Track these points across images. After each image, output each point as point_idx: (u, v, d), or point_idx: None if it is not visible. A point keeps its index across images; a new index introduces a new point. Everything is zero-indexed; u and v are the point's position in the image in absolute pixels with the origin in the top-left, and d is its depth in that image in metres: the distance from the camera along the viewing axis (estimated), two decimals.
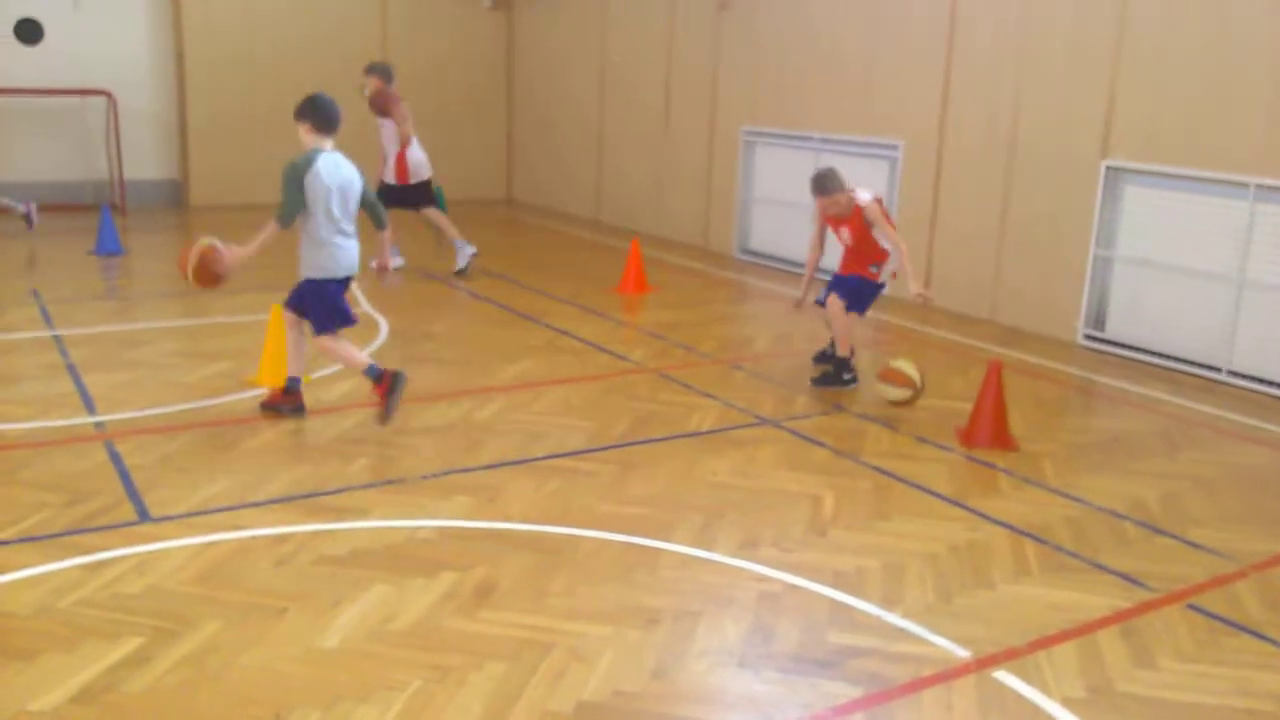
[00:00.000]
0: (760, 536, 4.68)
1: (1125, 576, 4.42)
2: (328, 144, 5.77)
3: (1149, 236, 7.90)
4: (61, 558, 4.20)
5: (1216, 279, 7.46)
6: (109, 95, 13.28)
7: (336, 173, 5.71)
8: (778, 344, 8.19)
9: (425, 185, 10.10)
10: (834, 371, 6.97)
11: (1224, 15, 7.29)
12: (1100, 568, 4.50)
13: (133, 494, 4.87)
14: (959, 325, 8.93)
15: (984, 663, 3.70)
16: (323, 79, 14.25)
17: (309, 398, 6.30)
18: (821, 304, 7.05)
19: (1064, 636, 3.90)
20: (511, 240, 12.93)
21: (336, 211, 5.70)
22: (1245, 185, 7.20)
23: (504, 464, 5.45)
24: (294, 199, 5.62)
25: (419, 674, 3.50)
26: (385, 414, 5.77)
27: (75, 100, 13.33)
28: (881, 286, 7.06)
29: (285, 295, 5.93)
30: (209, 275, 5.80)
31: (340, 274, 5.83)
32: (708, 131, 12.09)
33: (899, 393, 6.49)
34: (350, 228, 5.82)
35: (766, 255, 11.45)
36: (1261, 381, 7.23)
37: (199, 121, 13.69)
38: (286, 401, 6.01)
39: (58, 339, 7.42)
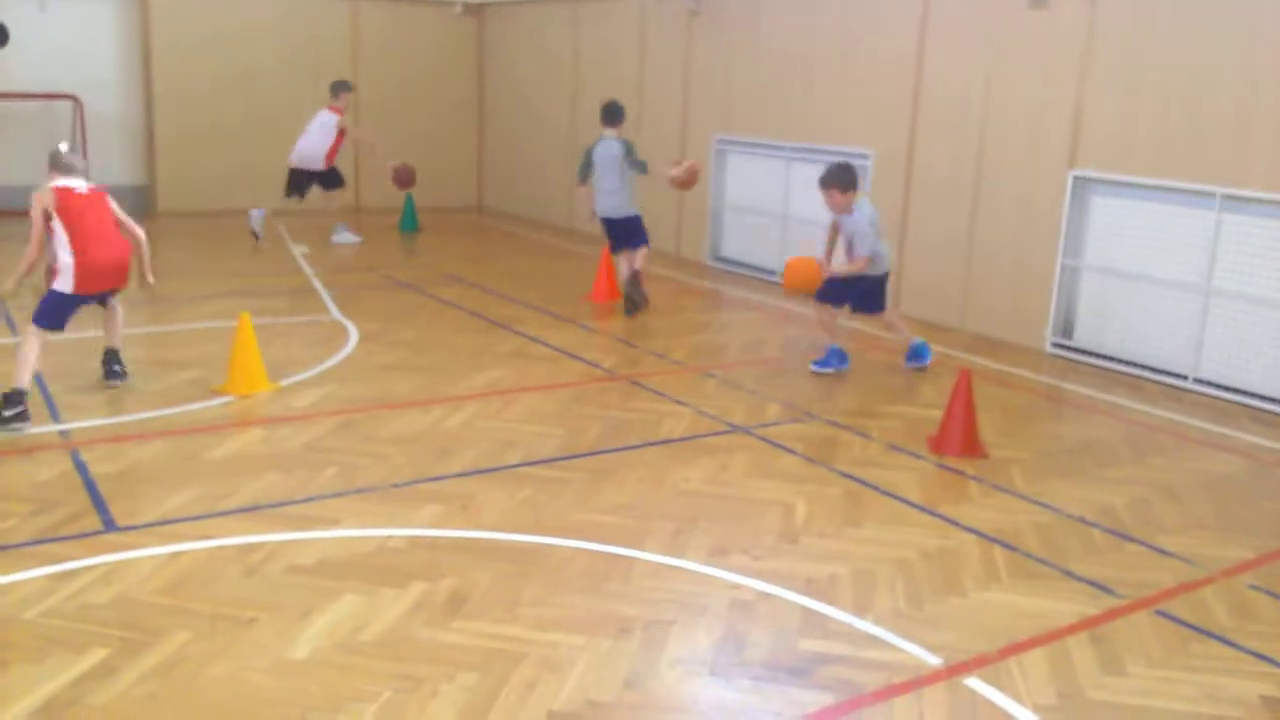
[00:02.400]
0: (732, 544, 4.69)
1: (1094, 583, 4.45)
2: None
3: (1116, 246, 7.98)
4: (27, 568, 4.14)
5: (1183, 288, 7.54)
6: (76, 99, 13.15)
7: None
8: (749, 351, 8.20)
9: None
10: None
11: (1191, 26, 7.38)
12: (1069, 574, 4.53)
13: (99, 503, 4.81)
14: (928, 333, 8.96)
15: (955, 669, 3.71)
16: (293, 82, 14.28)
17: (278, 405, 6.26)
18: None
19: (1034, 643, 3.93)
20: (482, 247, 12.90)
21: None
22: (1211, 195, 7.27)
23: (475, 472, 5.42)
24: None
25: (390, 685, 3.47)
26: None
27: (41, 104, 13.19)
28: (68, 295, 5.95)
29: (251, 302, 5.87)
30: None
31: None
32: (679, 139, 12.11)
33: None
34: None
35: (738, 263, 11.47)
36: (1227, 389, 7.30)
37: (167, 126, 13.58)
38: None
39: None
